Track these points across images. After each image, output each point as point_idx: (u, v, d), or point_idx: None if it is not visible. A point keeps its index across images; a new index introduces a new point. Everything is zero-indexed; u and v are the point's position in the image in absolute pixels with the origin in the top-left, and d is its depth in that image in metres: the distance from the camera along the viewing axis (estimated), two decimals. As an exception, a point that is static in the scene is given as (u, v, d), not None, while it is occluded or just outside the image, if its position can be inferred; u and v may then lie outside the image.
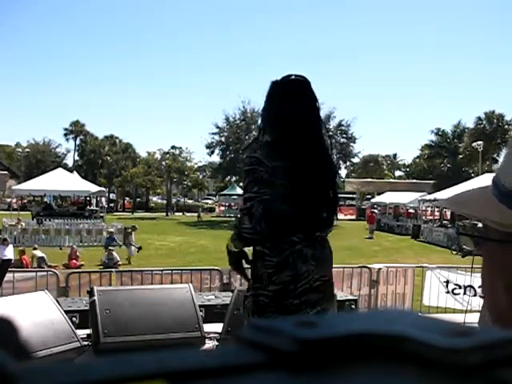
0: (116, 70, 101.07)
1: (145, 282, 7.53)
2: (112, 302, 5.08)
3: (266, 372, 0.25)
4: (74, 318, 5.54)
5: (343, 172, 54.41)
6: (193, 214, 47.02)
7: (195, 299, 5.43)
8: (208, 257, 16.59)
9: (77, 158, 65.16)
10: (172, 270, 8.23)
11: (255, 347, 0.27)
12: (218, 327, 5.61)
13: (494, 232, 0.72)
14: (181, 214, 50.82)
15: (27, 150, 62.70)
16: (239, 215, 2.90)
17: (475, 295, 7.96)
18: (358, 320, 0.30)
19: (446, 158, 49.56)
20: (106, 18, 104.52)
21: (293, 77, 2.92)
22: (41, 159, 62.79)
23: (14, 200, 37.08)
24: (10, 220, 24.66)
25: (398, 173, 70.17)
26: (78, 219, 27.02)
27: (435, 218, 35.62)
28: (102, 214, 31.93)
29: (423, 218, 35.52)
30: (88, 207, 37.22)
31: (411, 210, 37.53)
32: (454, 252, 20.10)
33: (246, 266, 2.96)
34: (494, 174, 0.76)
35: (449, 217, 34.73)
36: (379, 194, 43.18)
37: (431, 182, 45.09)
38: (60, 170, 31.71)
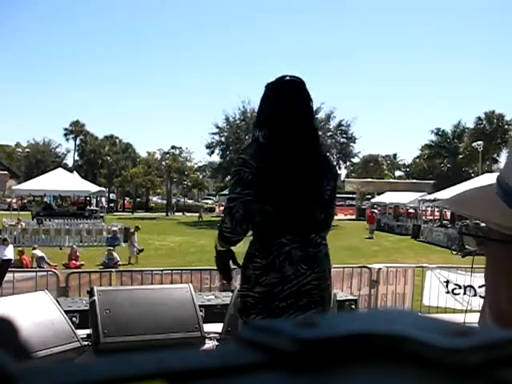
0: (116, 70, 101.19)
1: (145, 282, 7.53)
2: (112, 302, 5.08)
3: (265, 372, 0.25)
4: (74, 318, 5.54)
5: (343, 172, 54.49)
6: (193, 214, 47.02)
7: (195, 299, 5.43)
8: (208, 257, 16.50)
9: (77, 157, 65.23)
10: (172, 270, 8.24)
11: (255, 347, 0.27)
12: (218, 327, 5.60)
13: (496, 232, 0.72)
14: (181, 213, 50.82)
15: (27, 150, 62.71)
16: (222, 214, 2.90)
17: (475, 295, 7.96)
18: (358, 320, 0.30)
19: (446, 157, 49.57)
20: (106, 18, 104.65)
21: (287, 77, 2.90)
22: (41, 159, 62.79)
23: (14, 200, 37.10)
24: (10, 220, 24.67)
25: (397, 173, 70.19)
26: (78, 219, 27.03)
27: (435, 218, 35.62)
28: (101, 214, 31.93)
29: (423, 218, 35.53)
30: (88, 207, 37.23)
31: (411, 210, 37.54)
32: (454, 252, 20.10)
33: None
34: (494, 174, 0.75)
35: (449, 217, 34.73)
36: (379, 194, 43.18)
37: (431, 181, 45.09)
38: (60, 169, 31.73)
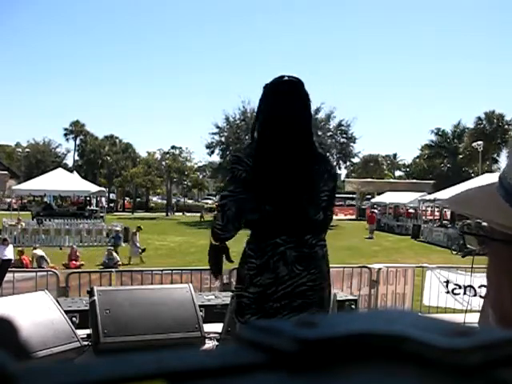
0: (116, 70, 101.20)
1: (145, 282, 7.53)
2: (112, 302, 5.08)
3: (265, 372, 0.25)
4: (74, 318, 5.54)
5: (343, 172, 54.49)
6: (193, 214, 47.03)
7: (195, 299, 5.43)
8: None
9: (77, 158, 65.24)
10: (172, 270, 8.24)
11: (255, 347, 0.27)
12: (218, 327, 5.60)
13: (499, 232, 0.71)
14: (181, 213, 50.83)
15: (27, 150, 62.72)
16: (215, 211, 2.93)
17: (475, 295, 7.96)
18: (358, 320, 0.30)
19: (446, 157, 49.57)
20: (106, 18, 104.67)
21: (286, 78, 2.89)
22: (41, 159, 62.79)
23: (14, 200, 37.10)
24: (10, 220, 24.66)
25: (398, 173, 70.20)
26: (78, 219, 27.04)
27: (435, 218, 35.61)
28: (101, 214, 31.94)
29: (423, 218, 35.53)
30: (88, 207, 37.25)
31: (411, 210, 37.54)
32: (454, 252, 20.10)
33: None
34: (494, 174, 0.75)
35: (449, 217, 34.73)
36: (379, 194, 43.18)
37: (431, 182, 45.09)
38: (60, 170, 31.73)
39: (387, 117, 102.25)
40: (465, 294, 8.54)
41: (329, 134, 42.17)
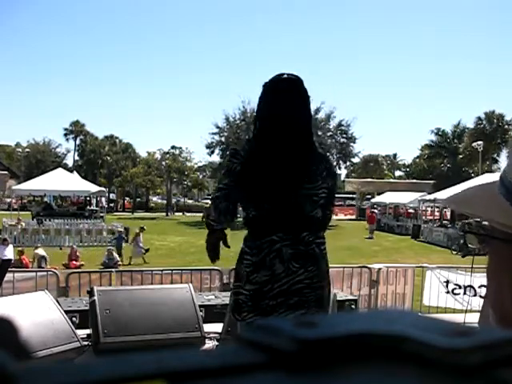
0: (116, 70, 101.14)
1: (145, 282, 7.53)
2: (112, 302, 5.08)
3: (265, 372, 0.25)
4: (74, 318, 5.55)
5: (343, 172, 54.49)
6: (193, 214, 47.02)
7: (195, 299, 5.43)
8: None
9: (77, 158, 65.23)
10: (172, 270, 8.24)
11: (255, 347, 0.27)
12: (218, 327, 5.61)
13: (499, 231, 0.71)
14: (181, 213, 50.83)
15: (27, 150, 62.71)
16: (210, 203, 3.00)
17: (475, 295, 7.96)
18: (358, 320, 0.30)
19: (446, 157, 49.55)
20: (106, 18, 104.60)
21: (285, 75, 2.90)
22: (41, 159, 62.79)
23: (14, 200, 37.11)
24: (10, 220, 24.67)
25: (398, 173, 70.19)
26: (78, 219, 27.05)
27: (435, 218, 35.60)
28: (101, 214, 31.93)
29: (423, 217, 35.52)
30: (88, 207, 37.25)
31: (411, 210, 37.54)
32: (454, 252, 20.10)
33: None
34: (494, 174, 0.75)
35: (449, 217, 34.74)
36: (379, 194, 43.18)
37: (431, 182, 45.07)
38: (60, 170, 31.74)
39: (387, 117, 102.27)
40: (465, 293, 8.54)
41: (329, 134, 42.18)
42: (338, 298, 6.60)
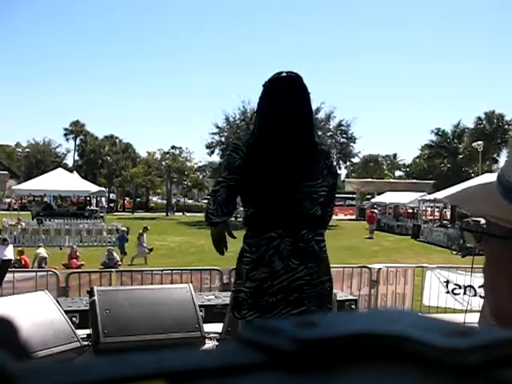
0: (116, 70, 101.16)
1: (145, 282, 7.53)
2: (112, 302, 5.08)
3: (265, 372, 0.25)
4: (74, 318, 5.54)
5: (343, 172, 54.48)
6: (193, 214, 47.01)
7: (195, 299, 5.43)
8: (208, 257, 16.55)
9: (77, 158, 65.24)
10: (172, 269, 8.24)
11: (255, 347, 0.27)
12: (218, 327, 5.60)
13: (496, 228, 0.72)
14: (181, 213, 50.83)
15: (27, 150, 62.72)
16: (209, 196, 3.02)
17: (475, 295, 7.96)
18: (358, 320, 0.30)
19: (446, 157, 49.52)
20: (106, 18, 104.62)
21: (284, 74, 2.90)
22: (41, 159, 62.79)
23: (14, 200, 37.11)
24: (10, 220, 24.66)
25: (398, 173, 70.20)
26: (78, 219, 27.06)
27: (435, 218, 35.62)
28: (101, 214, 31.94)
29: (423, 218, 35.52)
30: (88, 207, 37.25)
31: (411, 210, 37.54)
32: (454, 252, 20.11)
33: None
34: (494, 174, 0.76)
35: (449, 217, 34.74)
36: (379, 194, 43.17)
37: (431, 182, 45.06)
38: (60, 170, 31.73)
39: (387, 117, 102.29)
40: (465, 293, 8.54)
41: (329, 134, 42.17)
42: (338, 298, 6.60)
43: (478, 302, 7.29)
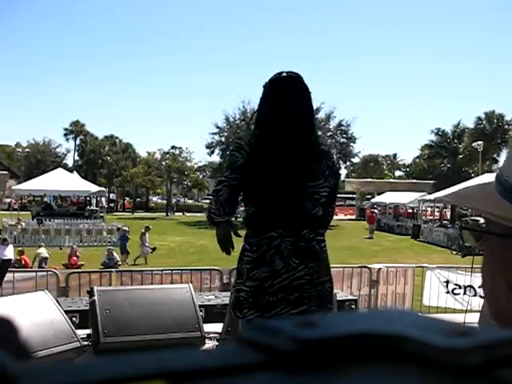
0: (116, 70, 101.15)
1: (145, 282, 7.53)
2: (112, 302, 5.08)
3: (265, 372, 0.25)
4: (74, 318, 5.54)
5: (343, 172, 54.47)
6: (193, 214, 47.00)
7: (195, 299, 5.43)
8: (208, 257, 16.57)
9: (77, 158, 65.23)
10: (172, 269, 8.23)
11: (255, 347, 0.27)
12: (218, 327, 5.60)
13: (495, 226, 0.73)
14: (181, 213, 50.82)
15: (27, 150, 62.71)
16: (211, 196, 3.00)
17: (475, 295, 7.96)
18: (358, 320, 0.30)
19: (446, 157, 49.51)
20: (106, 18, 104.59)
21: (284, 74, 2.90)
22: (41, 159, 62.78)
23: (14, 200, 37.10)
24: (10, 220, 24.66)
25: (398, 173, 70.20)
26: (78, 219, 27.06)
27: (435, 218, 35.61)
28: (101, 214, 31.94)
29: (423, 217, 35.52)
30: (88, 207, 37.24)
31: (411, 210, 37.54)
32: (454, 252, 20.11)
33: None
34: (494, 174, 0.77)
35: (449, 217, 34.73)
36: (379, 194, 43.17)
37: (431, 182, 45.06)
38: (60, 170, 31.73)
39: (387, 117, 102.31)
40: (465, 293, 8.54)
41: (329, 134, 42.15)
42: (338, 298, 6.59)
43: (478, 302, 7.29)
